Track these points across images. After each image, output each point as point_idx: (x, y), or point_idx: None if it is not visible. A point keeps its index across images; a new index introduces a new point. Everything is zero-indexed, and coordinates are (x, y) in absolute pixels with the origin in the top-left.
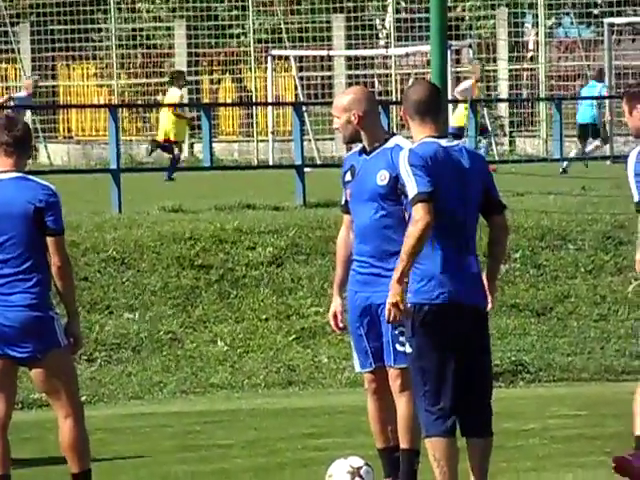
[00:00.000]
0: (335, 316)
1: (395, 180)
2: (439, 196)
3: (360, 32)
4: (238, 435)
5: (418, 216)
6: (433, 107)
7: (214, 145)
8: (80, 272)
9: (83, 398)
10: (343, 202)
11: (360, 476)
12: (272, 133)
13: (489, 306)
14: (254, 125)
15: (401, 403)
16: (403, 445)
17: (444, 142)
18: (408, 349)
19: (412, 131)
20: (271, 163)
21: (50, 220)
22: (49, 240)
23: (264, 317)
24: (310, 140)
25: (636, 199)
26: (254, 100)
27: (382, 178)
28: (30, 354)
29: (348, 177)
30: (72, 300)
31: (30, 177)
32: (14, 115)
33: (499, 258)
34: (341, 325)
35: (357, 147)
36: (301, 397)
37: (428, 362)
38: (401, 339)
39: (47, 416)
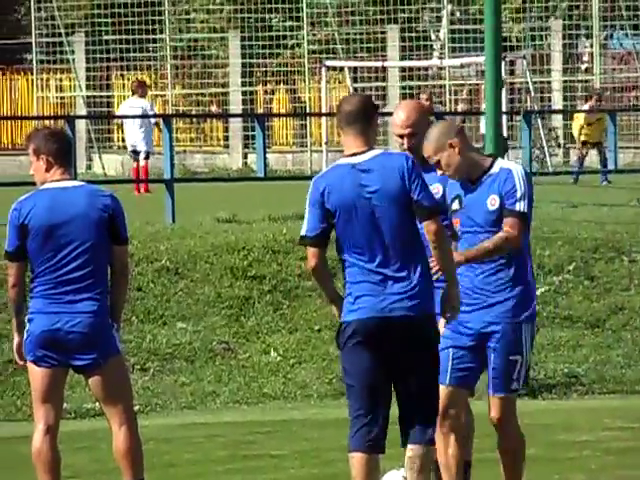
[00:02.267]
0: None
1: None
2: (342, 224)
3: (414, 43)
4: (291, 445)
5: (308, 259)
6: (355, 120)
7: (268, 155)
8: (134, 282)
9: (136, 408)
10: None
11: None
12: (326, 144)
13: (440, 321)
14: (308, 136)
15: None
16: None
17: (357, 159)
18: None
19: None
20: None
21: (122, 229)
22: (120, 249)
23: (317, 328)
24: None
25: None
26: (308, 111)
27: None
28: (93, 361)
29: (456, 206)
30: (123, 308)
31: (92, 185)
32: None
33: (442, 259)
34: None
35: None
36: None
37: (350, 379)
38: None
39: (99, 425)
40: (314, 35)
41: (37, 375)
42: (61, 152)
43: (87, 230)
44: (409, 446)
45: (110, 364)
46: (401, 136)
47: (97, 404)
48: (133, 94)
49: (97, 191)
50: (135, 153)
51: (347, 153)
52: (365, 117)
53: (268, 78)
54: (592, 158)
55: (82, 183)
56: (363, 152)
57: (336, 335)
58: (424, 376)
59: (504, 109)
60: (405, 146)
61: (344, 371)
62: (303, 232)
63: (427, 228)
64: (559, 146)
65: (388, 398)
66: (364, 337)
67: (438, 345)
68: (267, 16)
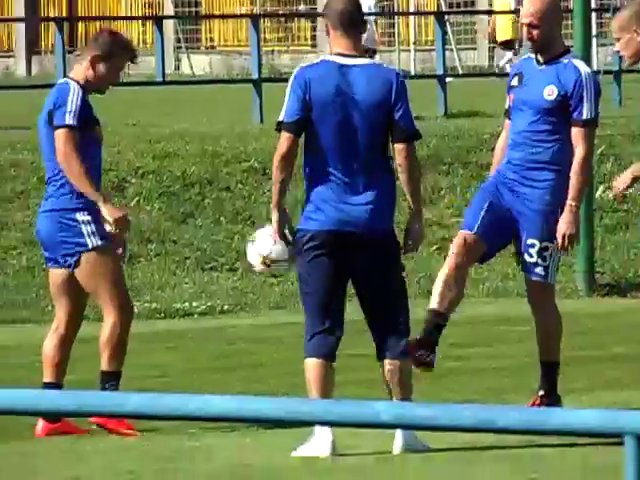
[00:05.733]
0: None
1: (562, 97)
2: (317, 120)
3: None
4: None
5: (278, 144)
6: (354, 21)
7: None
8: (222, 182)
9: (225, 307)
10: (507, 107)
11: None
12: (414, 43)
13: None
14: (396, 35)
15: (538, 317)
16: (542, 358)
17: (347, 60)
18: (540, 262)
19: (330, 42)
20: (413, 73)
21: (56, 114)
22: (55, 134)
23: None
24: (452, 50)
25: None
26: (396, 10)
27: (549, 93)
28: (64, 261)
29: (515, 82)
30: (84, 187)
31: (69, 82)
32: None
33: (411, 185)
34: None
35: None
36: None
37: (308, 286)
38: (530, 251)
39: (189, 325)
40: None
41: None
42: None
43: (41, 131)
44: (385, 361)
45: (80, 262)
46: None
47: (186, 304)
48: None
49: (56, 87)
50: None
51: (336, 52)
52: (359, 20)
53: None
54: None
55: (63, 80)
56: (353, 56)
57: (293, 241)
58: (387, 290)
59: (593, 6)
60: (525, 36)
61: (300, 278)
62: (280, 118)
63: (398, 151)
64: None
65: (342, 308)
66: (324, 247)
67: (399, 259)
68: None
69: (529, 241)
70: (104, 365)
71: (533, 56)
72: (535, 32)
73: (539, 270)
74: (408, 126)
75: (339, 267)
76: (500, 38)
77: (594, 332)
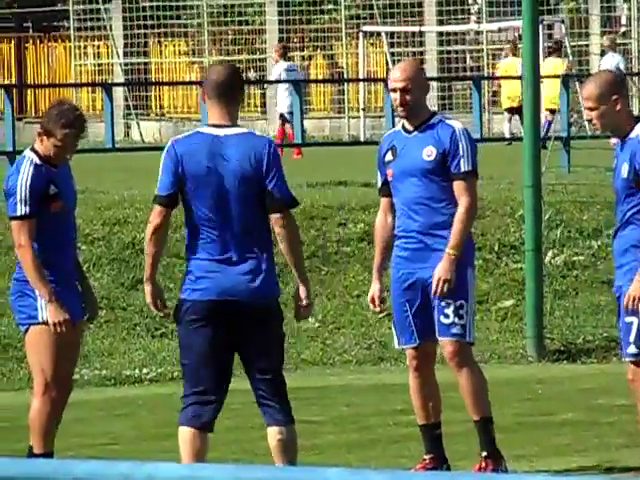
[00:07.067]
0: (373, 300)
1: (441, 155)
2: (191, 193)
3: (452, 7)
4: (330, 411)
5: (151, 218)
6: (227, 91)
7: (305, 122)
8: (172, 248)
9: (175, 374)
10: (381, 184)
11: None
12: (363, 109)
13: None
14: (345, 101)
15: (462, 378)
16: (475, 417)
17: (220, 131)
18: (457, 321)
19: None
20: (362, 139)
21: (8, 206)
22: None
23: (355, 293)
24: None
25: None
26: (346, 76)
27: (428, 154)
28: (20, 327)
29: (389, 157)
30: (34, 282)
31: (26, 155)
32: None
33: (291, 254)
34: (378, 309)
35: (396, 126)
36: (392, 373)
37: (185, 357)
38: (446, 311)
39: (139, 392)
40: (352, 0)
41: None
42: None
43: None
44: (270, 428)
45: (28, 332)
46: (394, 90)
47: (136, 371)
48: (282, 58)
49: (14, 166)
50: (284, 117)
51: (210, 123)
52: (234, 90)
53: (305, 44)
54: None
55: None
56: (227, 126)
57: (174, 311)
58: (269, 358)
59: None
60: (397, 102)
61: (181, 348)
62: (156, 191)
63: (275, 220)
64: None
65: (225, 376)
66: (205, 318)
67: (282, 328)
68: None
69: (443, 302)
70: (34, 447)
71: (399, 128)
72: (408, 97)
73: (457, 330)
74: (283, 194)
75: (221, 337)
76: (509, 105)
77: (544, 398)
